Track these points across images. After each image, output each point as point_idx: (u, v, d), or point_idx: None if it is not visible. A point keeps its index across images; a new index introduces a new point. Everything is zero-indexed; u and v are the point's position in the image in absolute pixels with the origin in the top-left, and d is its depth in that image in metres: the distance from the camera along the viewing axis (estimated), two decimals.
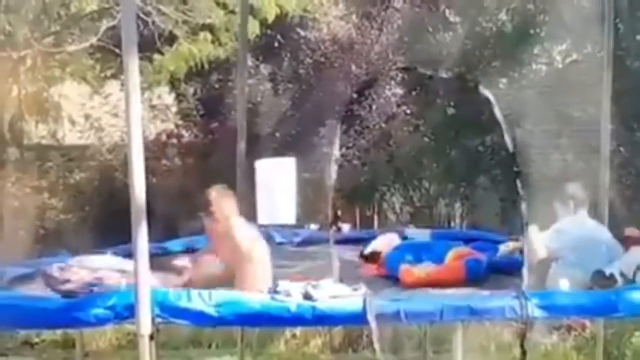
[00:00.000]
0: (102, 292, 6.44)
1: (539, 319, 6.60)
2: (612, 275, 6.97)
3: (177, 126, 16.62)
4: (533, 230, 7.43)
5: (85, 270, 6.69)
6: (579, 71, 14.03)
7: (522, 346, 6.46)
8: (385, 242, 8.83)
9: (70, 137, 16.53)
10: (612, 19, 9.27)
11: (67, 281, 6.66)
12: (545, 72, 15.13)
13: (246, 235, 7.16)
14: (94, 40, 14.09)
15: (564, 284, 6.98)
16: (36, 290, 6.94)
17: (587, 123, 12.44)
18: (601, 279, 6.98)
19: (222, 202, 7.26)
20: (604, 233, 7.78)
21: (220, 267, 7.14)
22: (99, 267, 6.73)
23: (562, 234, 7.52)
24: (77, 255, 7.35)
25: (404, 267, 7.79)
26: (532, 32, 14.88)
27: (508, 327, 11.16)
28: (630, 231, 8.16)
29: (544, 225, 7.64)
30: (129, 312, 6.08)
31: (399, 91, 15.43)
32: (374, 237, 9.82)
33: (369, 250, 8.74)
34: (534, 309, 6.29)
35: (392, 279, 7.85)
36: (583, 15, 13.35)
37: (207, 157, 15.51)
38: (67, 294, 6.57)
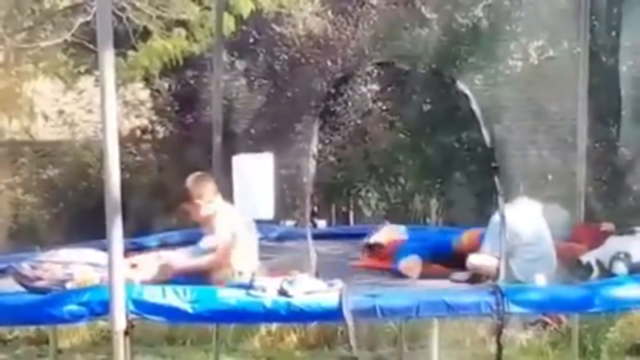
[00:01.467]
0: (76, 289, 6.39)
1: (514, 314, 6.59)
2: (588, 264, 6.97)
3: (152, 122, 16.57)
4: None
5: (56, 265, 6.62)
6: (555, 67, 14.06)
7: (497, 341, 6.45)
8: (388, 234, 8.77)
9: (44, 132, 16.44)
10: (587, 15, 9.28)
11: (39, 278, 6.59)
12: (521, 67, 15.13)
13: (228, 222, 7.12)
14: (67, 35, 13.97)
15: (540, 279, 6.97)
16: (8, 286, 6.87)
17: (563, 118, 12.50)
18: (577, 268, 6.99)
19: (202, 187, 7.21)
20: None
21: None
22: (71, 261, 6.65)
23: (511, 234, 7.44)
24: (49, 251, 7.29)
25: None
26: (507, 28, 14.90)
27: (483, 322, 11.19)
28: (607, 226, 8.18)
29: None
30: (102, 308, 6.06)
31: (375, 87, 15.42)
32: (349, 233, 9.82)
33: (372, 240, 8.67)
34: (509, 304, 6.28)
35: (396, 271, 7.80)
36: (559, 11, 13.40)
37: (182, 153, 15.46)
38: (39, 291, 6.51)
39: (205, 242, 7.08)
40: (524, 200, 7.79)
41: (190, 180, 7.31)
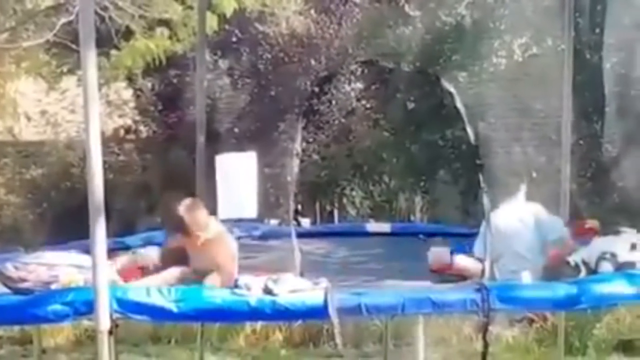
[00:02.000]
0: (60, 289, 6.37)
1: (500, 311, 6.59)
2: (576, 265, 6.98)
3: (135, 121, 16.53)
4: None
5: (41, 267, 6.59)
6: (539, 64, 14.06)
7: (483, 338, 6.45)
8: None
9: (27, 132, 16.41)
10: (571, 13, 9.27)
11: (23, 280, 6.56)
12: (505, 65, 15.13)
13: (228, 251, 7.10)
14: (49, 35, 13.92)
15: (526, 277, 6.97)
16: None
17: (548, 116, 12.51)
18: (564, 268, 6.99)
19: (196, 217, 7.13)
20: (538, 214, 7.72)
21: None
22: (56, 264, 6.63)
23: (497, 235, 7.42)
24: (34, 252, 7.26)
25: None
26: (491, 25, 14.90)
27: (469, 319, 11.19)
28: (592, 223, 8.19)
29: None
30: (87, 307, 6.03)
31: (359, 85, 15.43)
32: (333, 232, 9.79)
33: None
34: (495, 302, 6.27)
35: None
36: (542, 9, 13.42)
37: (165, 153, 15.43)
38: (23, 292, 6.47)
39: (210, 280, 6.96)
40: (519, 201, 7.78)
41: (183, 210, 7.08)
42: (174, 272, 6.98)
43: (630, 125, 13.97)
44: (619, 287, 6.57)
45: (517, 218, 7.60)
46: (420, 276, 7.50)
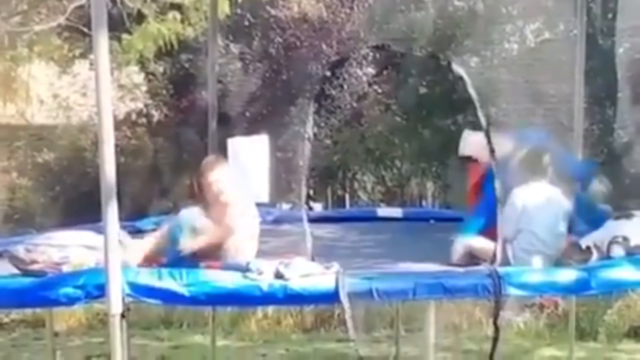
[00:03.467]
0: (72, 272, 6.37)
1: (511, 297, 6.57)
2: (587, 248, 6.95)
3: (147, 105, 16.54)
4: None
5: (52, 248, 6.59)
6: (551, 49, 14.02)
7: (494, 324, 6.44)
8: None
9: (39, 116, 16.45)
10: None
11: (34, 262, 6.56)
12: (517, 50, 15.10)
13: (239, 209, 7.14)
14: (61, 19, 13.92)
15: (537, 262, 6.96)
16: (4, 269, 6.85)
17: (560, 101, 12.46)
18: (577, 251, 6.97)
19: (218, 168, 7.25)
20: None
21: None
22: (66, 244, 6.63)
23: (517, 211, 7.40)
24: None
25: None
26: (503, 10, 14.86)
27: (480, 305, 11.19)
28: (604, 208, 8.15)
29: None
30: (99, 291, 6.01)
31: (371, 70, 15.40)
32: (344, 216, 9.77)
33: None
34: (506, 287, 6.25)
35: None
36: None
37: (177, 136, 15.44)
38: (35, 274, 6.48)
39: (202, 223, 7.05)
40: (544, 183, 7.72)
41: (208, 159, 7.37)
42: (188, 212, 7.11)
43: None
44: (630, 272, 6.55)
45: (541, 198, 7.54)
46: (431, 262, 7.50)
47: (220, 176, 7.22)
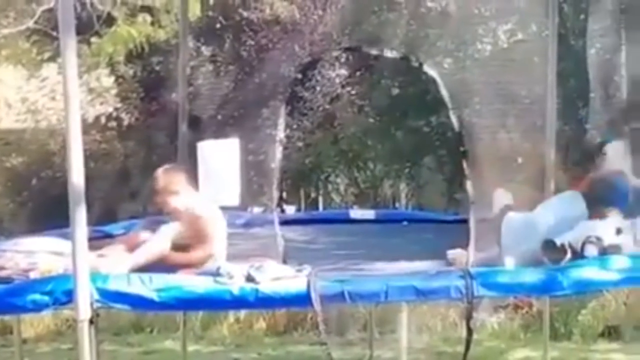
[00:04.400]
0: (40, 278, 6.30)
1: (484, 298, 6.55)
2: (562, 246, 6.94)
3: (117, 109, 16.44)
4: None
5: (19, 255, 6.52)
6: (524, 50, 14.01)
7: (467, 325, 6.40)
8: None
9: (7, 120, 16.34)
10: None
11: (1, 268, 6.50)
12: (490, 51, 15.09)
13: (205, 211, 7.08)
14: (29, 23, 13.86)
15: (509, 262, 6.93)
16: None
17: (533, 102, 12.46)
18: (551, 250, 6.95)
19: (171, 180, 7.16)
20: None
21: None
22: (34, 250, 6.56)
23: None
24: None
25: None
26: (476, 11, 14.84)
27: (454, 306, 11.16)
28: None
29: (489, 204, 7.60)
30: (67, 297, 5.95)
31: (343, 72, 15.38)
32: (317, 219, 9.74)
33: None
34: (479, 288, 6.22)
35: None
36: None
37: (147, 140, 15.35)
38: (2, 281, 6.40)
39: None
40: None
41: (159, 172, 7.26)
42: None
43: (615, 111, 13.94)
44: (603, 272, 6.54)
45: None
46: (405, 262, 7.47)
47: (173, 186, 7.15)
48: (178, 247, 7.03)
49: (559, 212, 7.48)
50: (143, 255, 6.92)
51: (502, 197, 7.60)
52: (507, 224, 7.38)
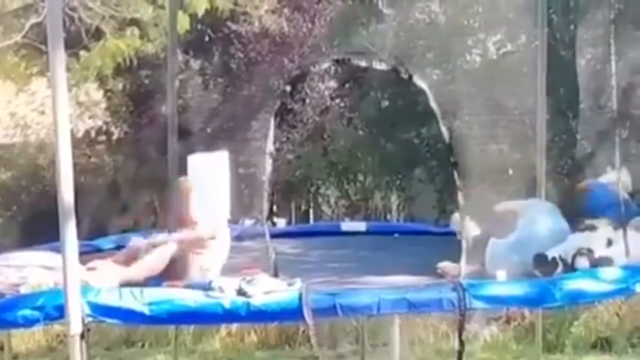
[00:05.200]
0: (30, 293, 6.27)
1: (476, 310, 6.54)
2: (553, 260, 6.95)
3: (106, 122, 16.39)
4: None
5: (10, 269, 6.50)
6: (513, 61, 14.06)
7: (459, 337, 6.39)
8: None
9: None
10: (545, 9, 9.25)
11: None
12: (479, 62, 15.12)
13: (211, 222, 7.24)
14: (18, 37, 13.81)
15: (501, 275, 6.93)
16: None
17: (523, 113, 12.48)
18: (543, 263, 6.96)
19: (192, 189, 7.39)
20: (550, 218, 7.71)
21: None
22: (24, 265, 6.54)
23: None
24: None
25: None
26: (465, 22, 14.87)
27: (446, 318, 11.14)
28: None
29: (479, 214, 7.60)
30: (58, 311, 5.94)
31: (332, 84, 15.37)
32: (308, 231, 9.72)
33: None
34: (471, 300, 6.22)
35: None
36: (516, 5, 13.38)
37: (137, 154, 15.31)
38: None
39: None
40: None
41: (183, 178, 7.70)
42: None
43: (605, 121, 13.96)
44: (594, 284, 6.55)
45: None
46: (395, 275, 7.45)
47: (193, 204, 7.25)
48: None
49: (542, 229, 7.51)
50: (137, 271, 6.91)
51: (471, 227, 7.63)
52: (491, 250, 7.41)
